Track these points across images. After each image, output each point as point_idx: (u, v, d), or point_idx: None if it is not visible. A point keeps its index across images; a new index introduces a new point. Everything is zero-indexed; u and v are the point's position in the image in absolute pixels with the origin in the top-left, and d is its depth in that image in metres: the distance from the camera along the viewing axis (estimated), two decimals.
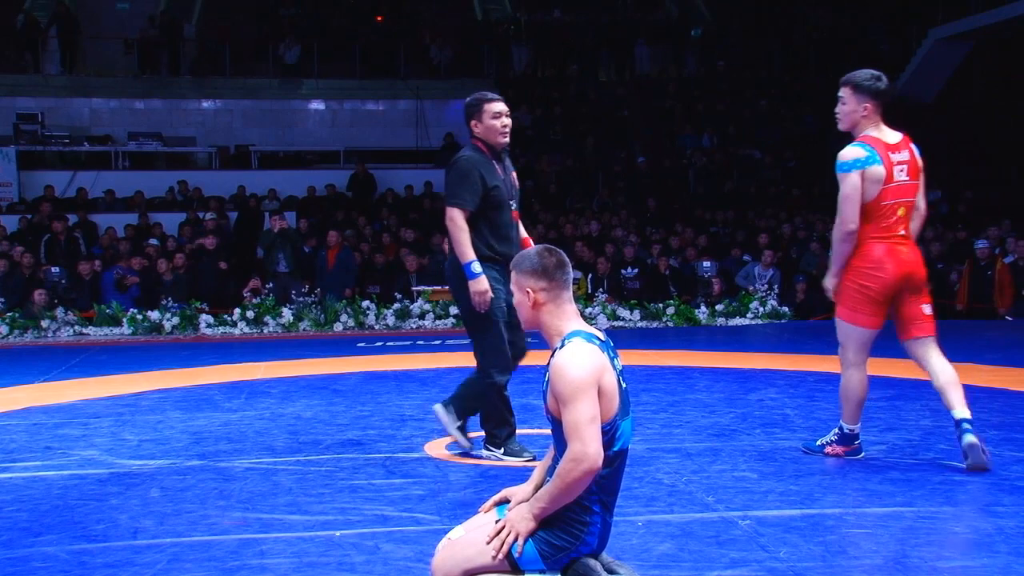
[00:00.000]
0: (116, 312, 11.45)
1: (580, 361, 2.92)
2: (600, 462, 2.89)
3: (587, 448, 2.86)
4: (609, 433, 2.97)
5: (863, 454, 4.96)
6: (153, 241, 13.88)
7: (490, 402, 5.05)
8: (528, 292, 3.07)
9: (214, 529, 3.98)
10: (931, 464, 4.79)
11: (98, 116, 18.95)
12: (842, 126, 4.94)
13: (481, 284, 4.84)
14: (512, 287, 3.15)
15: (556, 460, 3.09)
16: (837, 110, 4.95)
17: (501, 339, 4.95)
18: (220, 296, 12.53)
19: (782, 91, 20.41)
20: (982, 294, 11.94)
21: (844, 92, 4.91)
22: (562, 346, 3.00)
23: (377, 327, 11.52)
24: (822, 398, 6.60)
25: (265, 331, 11.47)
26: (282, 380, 7.86)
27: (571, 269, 3.14)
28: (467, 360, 8.59)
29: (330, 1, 21.92)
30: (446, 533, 3.16)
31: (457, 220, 4.89)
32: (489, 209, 4.96)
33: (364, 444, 5.49)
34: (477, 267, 4.85)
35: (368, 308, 11.66)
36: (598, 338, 3.03)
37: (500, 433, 5.09)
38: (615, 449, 3.00)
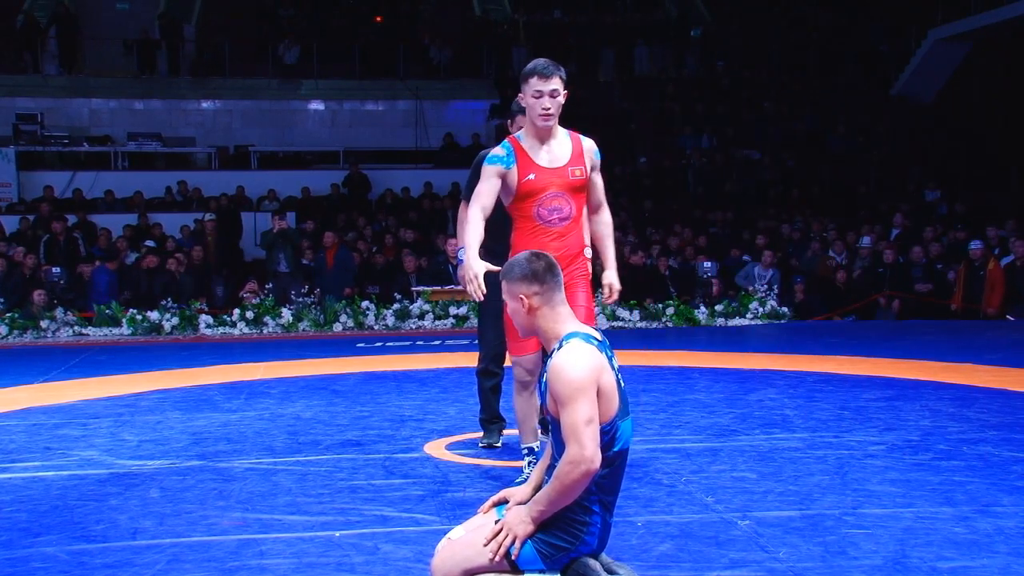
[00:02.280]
0: (116, 312, 11.46)
1: (578, 362, 2.93)
2: (598, 464, 2.90)
3: (584, 450, 2.87)
4: (609, 434, 2.97)
5: None
6: (149, 243, 13.87)
7: (478, 387, 5.42)
8: (521, 299, 3.09)
9: (213, 529, 3.98)
10: (930, 464, 4.79)
11: (97, 116, 18.96)
12: (553, 121, 4.31)
13: (464, 271, 5.10)
14: (505, 297, 3.16)
15: (555, 460, 3.10)
16: (549, 105, 4.21)
17: (486, 329, 5.27)
18: (209, 298, 12.54)
19: (782, 91, 20.43)
20: (977, 295, 11.95)
21: (559, 84, 4.22)
22: (560, 347, 3.01)
23: (376, 327, 11.51)
24: (822, 398, 6.60)
25: (264, 331, 11.47)
26: (281, 380, 7.86)
27: (560, 271, 3.15)
28: (467, 360, 8.62)
29: (329, 1, 21.93)
30: (446, 533, 3.16)
31: (459, 210, 5.29)
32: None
33: (363, 444, 5.49)
34: (463, 254, 5.18)
35: (367, 308, 11.66)
36: (595, 338, 3.04)
37: (480, 415, 5.46)
38: (615, 450, 3.00)
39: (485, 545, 2.94)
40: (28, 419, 6.40)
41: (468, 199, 5.09)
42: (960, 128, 19.17)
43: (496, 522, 3.02)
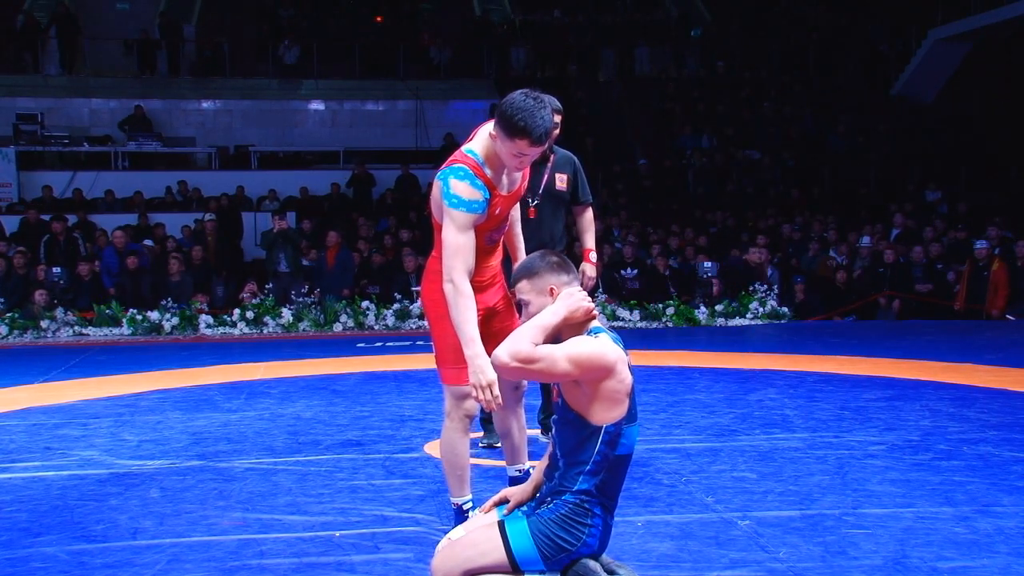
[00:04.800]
0: (116, 312, 11.46)
1: (607, 352, 2.95)
2: (505, 367, 2.98)
3: (524, 352, 2.94)
4: (611, 435, 2.98)
5: None
6: (148, 242, 13.87)
7: None
8: (552, 290, 3.08)
9: (214, 529, 3.98)
10: (930, 464, 4.79)
11: (98, 116, 18.95)
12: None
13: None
14: (528, 296, 3.12)
15: (553, 458, 3.10)
16: (527, 164, 3.60)
17: None
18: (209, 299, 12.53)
19: (781, 92, 20.43)
20: (980, 295, 11.96)
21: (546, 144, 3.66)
22: (590, 334, 3.02)
23: (377, 327, 11.51)
24: (822, 398, 6.60)
25: (265, 331, 11.47)
26: (282, 380, 7.86)
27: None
28: None
29: (329, 1, 21.93)
30: (446, 533, 3.16)
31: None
32: None
33: (364, 444, 5.49)
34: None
35: (368, 308, 11.66)
36: (620, 341, 3.06)
37: (480, 414, 5.30)
38: (617, 453, 3.01)
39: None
40: (28, 419, 6.40)
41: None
42: (960, 128, 19.17)
43: (497, 522, 3.03)
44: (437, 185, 3.54)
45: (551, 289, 3.09)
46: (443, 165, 3.59)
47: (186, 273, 12.59)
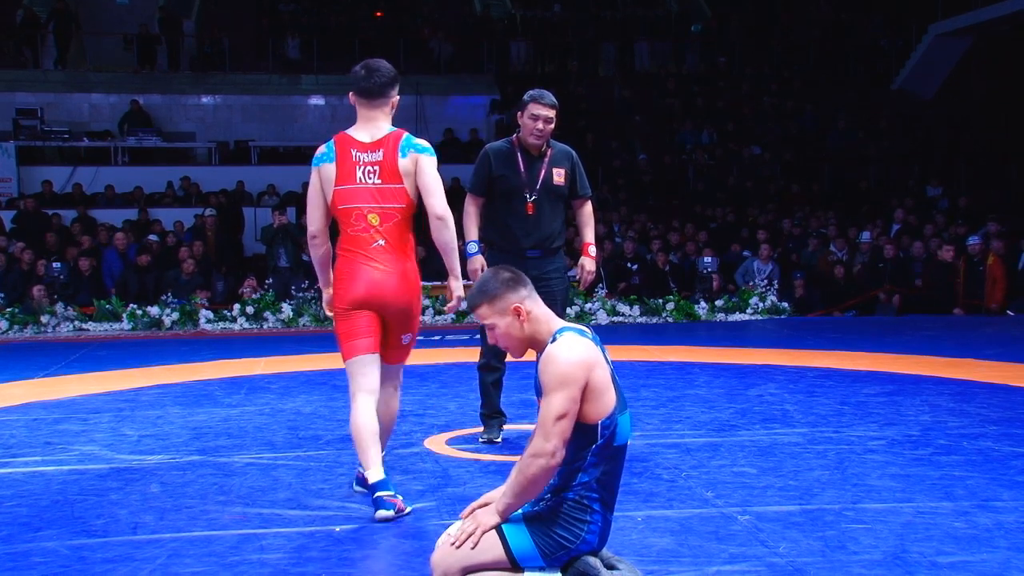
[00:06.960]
0: (116, 307, 11.46)
1: (570, 354, 2.91)
2: (559, 459, 2.89)
3: (547, 443, 2.87)
4: (609, 428, 2.97)
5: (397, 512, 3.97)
6: (154, 237, 13.88)
7: (479, 381, 5.38)
8: (518, 309, 3.04)
9: (214, 524, 3.98)
10: (930, 459, 4.80)
11: (98, 111, 18.93)
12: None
13: (472, 263, 5.16)
14: (494, 320, 3.06)
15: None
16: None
17: None
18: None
19: (782, 87, 20.41)
20: (977, 290, 11.95)
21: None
22: (554, 340, 2.99)
23: None
24: (822, 393, 6.60)
25: (265, 327, 11.47)
26: (282, 375, 7.86)
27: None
28: (468, 355, 8.61)
29: None
30: (446, 528, 3.16)
31: (465, 202, 5.27)
32: (496, 197, 5.25)
33: None
34: (472, 247, 5.20)
35: None
36: (586, 332, 3.03)
37: (481, 410, 5.44)
38: (615, 445, 3.00)
39: (454, 543, 2.96)
40: (28, 414, 6.40)
41: (474, 191, 5.28)
42: (960, 124, 19.15)
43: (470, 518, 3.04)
44: (417, 157, 4.17)
45: (515, 308, 3.02)
46: (398, 139, 4.21)
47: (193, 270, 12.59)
